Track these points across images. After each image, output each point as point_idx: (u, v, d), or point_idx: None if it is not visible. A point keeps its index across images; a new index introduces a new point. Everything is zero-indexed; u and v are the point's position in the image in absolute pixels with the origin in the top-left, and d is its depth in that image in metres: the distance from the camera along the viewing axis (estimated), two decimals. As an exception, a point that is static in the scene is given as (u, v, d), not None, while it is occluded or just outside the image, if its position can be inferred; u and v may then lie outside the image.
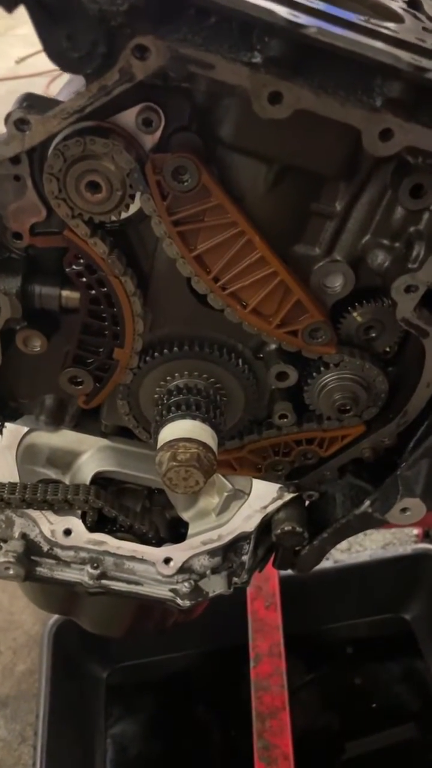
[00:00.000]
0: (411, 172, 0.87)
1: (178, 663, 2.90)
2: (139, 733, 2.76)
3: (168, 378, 1.08)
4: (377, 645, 3.00)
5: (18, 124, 0.84)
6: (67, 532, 1.24)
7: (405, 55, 0.75)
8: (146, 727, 2.78)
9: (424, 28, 0.87)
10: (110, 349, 1.05)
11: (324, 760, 2.69)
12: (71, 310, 1.02)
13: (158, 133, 0.89)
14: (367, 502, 1.16)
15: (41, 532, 1.24)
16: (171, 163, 0.86)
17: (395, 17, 0.90)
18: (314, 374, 1.07)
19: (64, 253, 0.98)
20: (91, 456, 1.23)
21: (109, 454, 1.23)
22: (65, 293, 1.00)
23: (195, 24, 0.75)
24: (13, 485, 1.19)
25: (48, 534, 1.24)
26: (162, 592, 1.28)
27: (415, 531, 3.46)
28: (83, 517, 1.25)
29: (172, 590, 1.28)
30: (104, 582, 1.27)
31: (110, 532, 1.26)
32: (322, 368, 1.06)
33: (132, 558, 1.27)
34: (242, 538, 1.27)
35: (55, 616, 2.60)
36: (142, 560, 1.27)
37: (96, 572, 1.25)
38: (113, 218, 0.92)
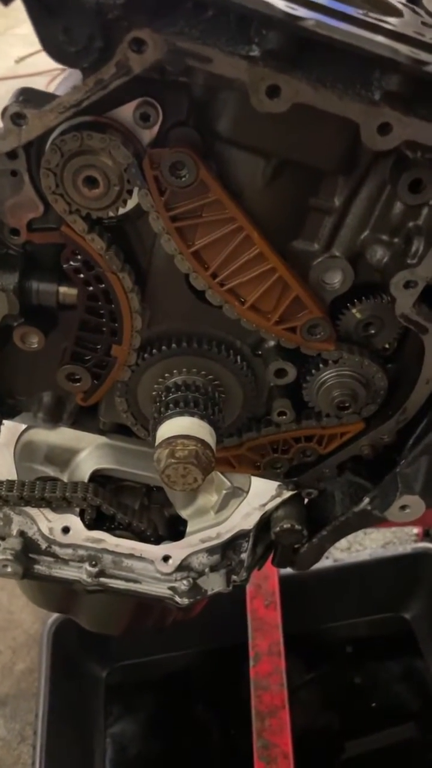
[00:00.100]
0: (410, 167, 0.87)
1: (178, 662, 2.89)
2: (139, 732, 2.75)
3: (166, 375, 1.08)
4: (377, 644, 3.00)
5: (14, 118, 0.84)
6: (66, 530, 1.24)
7: (403, 48, 0.75)
8: (146, 726, 2.77)
9: (422, 23, 0.87)
10: (108, 346, 1.04)
11: (324, 759, 2.69)
12: (69, 306, 1.02)
13: (156, 128, 0.88)
14: (367, 500, 1.16)
15: (39, 529, 1.24)
16: (169, 158, 0.86)
17: (394, 11, 0.90)
18: (313, 371, 1.07)
19: (61, 249, 0.97)
20: (90, 453, 1.23)
21: (108, 452, 1.23)
22: (63, 289, 1.00)
23: (192, 17, 0.75)
24: (11, 483, 1.19)
25: (46, 531, 1.24)
26: (160, 590, 1.28)
27: (415, 530, 3.46)
28: (81, 515, 1.24)
29: (170, 588, 1.27)
30: (102, 580, 1.26)
31: (109, 530, 1.26)
32: (320, 365, 1.06)
33: (130, 556, 1.26)
34: (241, 535, 1.27)
35: (55, 615, 2.59)
36: (140, 558, 1.27)
37: (94, 570, 1.25)
38: (111, 214, 0.91)
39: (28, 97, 0.85)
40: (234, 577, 1.28)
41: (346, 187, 0.93)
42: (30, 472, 1.23)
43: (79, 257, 0.96)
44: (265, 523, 1.25)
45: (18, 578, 1.23)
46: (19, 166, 0.90)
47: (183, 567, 1.27)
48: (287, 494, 1.22)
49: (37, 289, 1.00)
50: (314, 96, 0.77)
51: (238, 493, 1.25)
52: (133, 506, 1.28)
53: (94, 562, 1.25)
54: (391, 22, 0.80)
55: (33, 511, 1.23)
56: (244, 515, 1.25)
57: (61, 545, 1.25)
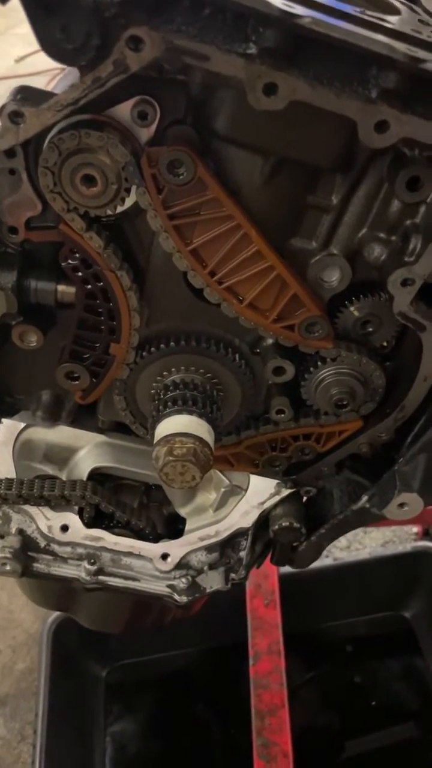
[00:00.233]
0: (407, 164, 0.87)
1: (178, 661, 2.89)
2: (139, 731, 2.75)
3: (165, 373, 1.08)
4: (377, 643, 2.99)
5: (12, 116, 0.84)
6: (64, 528, 1.24)
7: (400, 46, 0.75)
8: (145, 725, 2.77)
9: (420, 20, 0.87)
10: (106, 344, 1.05)
11: (323, 758, 2.69)
12: (67, 305, 1.02)
13: (154, 126, 0.88)
14: (365, 498, 1.16)
15: (38, 528, 1.24)
16: (166, 157, 0.86)
17: (392, 9, 0.90)
18: (311, 369, 1.07)
19: (59, 248, 0.97)
20: (88, 452, 1.23)
21: (106, 450, 1.23)
22: (61, 288, 1.00)
23: (189, 15, 0.75)
24: (9, 481, 1.19)
25: (45, 530, 1.24)
26: (159, 587, 1.28)
27: (415, 529, 3.46)
28: (80, 513, 1.25)
29: (169, 586, 1.27)
30: (101, 578, 1.27)
31: (107, 528, 1.26)
32: (319, 363, 1.06)
33: (129, 554, 1.27)
34: (240, 533, 1.27)
35: (55, 615, 2.59)
36: (139, 556, 1.27)
37: (93, 568, 1.25)
38: (109, 212, 0.92)
39: (26, 95, 0.86)
40: (233, 575, 1.29)
41: (344, 185, 0.93)
42: (29, 470, 1.23)
43: (77, 255, 0.97)
44: (263, 521, 1.25)
45: (17, 576, 1.23)
46: (17, 164, 0.90)
47: (182, 565, 1.27)
48: (286, 492, 1.23)
49: (36, 288, 1.00)
50: (311, 93, 0.77)
51: (236, 491, 1.25)
52: (131, 504, 1.29)
53: (92, 560, 1.25)
54: (389, 19, 0.81)
55: (32, 510, 1.23)
56: (243, 513, 1.25)
57: (60, 543, 1.25)
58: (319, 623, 2.96)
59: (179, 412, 1.03)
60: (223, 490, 1.25)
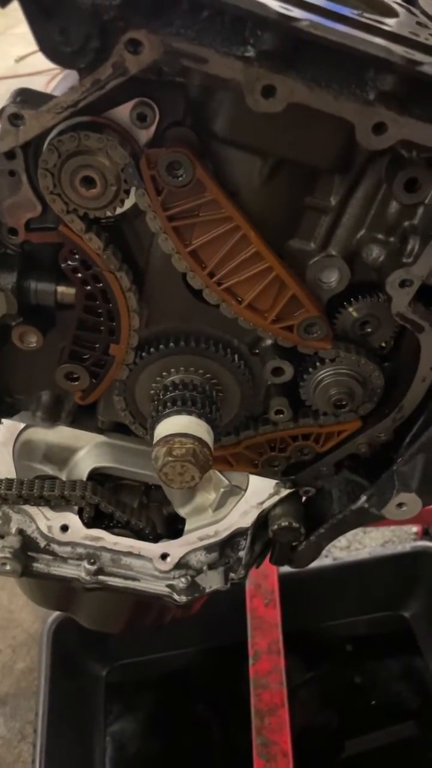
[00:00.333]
0: (405, 166, 0.87)
1: (178, 660, 2.90)
2: (139, 731, 2.76)
3: (164, 374, 1.08)
4: (376, 643, 3.00)
5: (12, 119, 0.85)
6: (64, 528, 1.24)
7: (398, 49, 0.75)
8: (145, 725, 2.78)
9: (418, 23, 0.87)
10: (106, 345, 1.05)
11: (323, 757, 2.69)
12: (67, 305, 1.02)
13: (153, 128, 0.89)
14: (364, 498, 1.16)
15: (38, 528, 1.25)
16: (165, 158, 0.86)
17: (389, 11, 0.90)
18: (310, 369, 1.07)
19: (59, 249, 0.98)
20: (88, 452, 1.23)
21: (106, 450, 1.23)
22: (61, 289, 1.01)
23: (188, 18, 0.76)
24: (9, 481, 1.19)
25: (45, 530, 1.24)
26: (159, 587, 1.28)
27: (415, 528, 3.46)
28: (80, 513, 1.25)
29: (168, 586, 1.28)
30: (101, 578, 1.27)
31: (107, 528, 1.26)
32: (317, 363, 1.06)
33: (129, 554, 1.27)
34: (239, 533, 1.27)
35: (55, 614, 2.60)
36: (139, 556, 1.27)
37: (93, 568, 1.25)
38: (108, 214, 0.92)
39: (26, 97, 0.86)
40: (232, 575, 1.29)
41: (342, 187, 0.94)
42: (29, 470, 1.23)
43: (76, 257, 0.97)
44: (263, 521, 1.26)
45: (17, 576, 1.23)
46: (16, 166, 0.90)
47: (181, 565, 1.28)
48: (285, 492, 1.23)
49: (36, 289, 1.00)
50: (309, 96, 0.78)
51: (236, 491, 1.25)
52: (131, 504, 1.29)
53: (92, 560, 1.26)
54: (387, 22, 0.81)
55: (32, 510, 1.23)
56: (242, 513, 1.25)
57: (60, 543, 1.26)
58: (318, 623, 2.97)
59: (178, 412, 1.03)
60: (222, 490, 1.25)
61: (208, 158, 0.90)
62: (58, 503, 1.21)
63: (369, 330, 1.05)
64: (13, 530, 1.25)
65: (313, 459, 1.20)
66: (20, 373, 1.15)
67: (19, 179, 0.92)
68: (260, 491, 1.23)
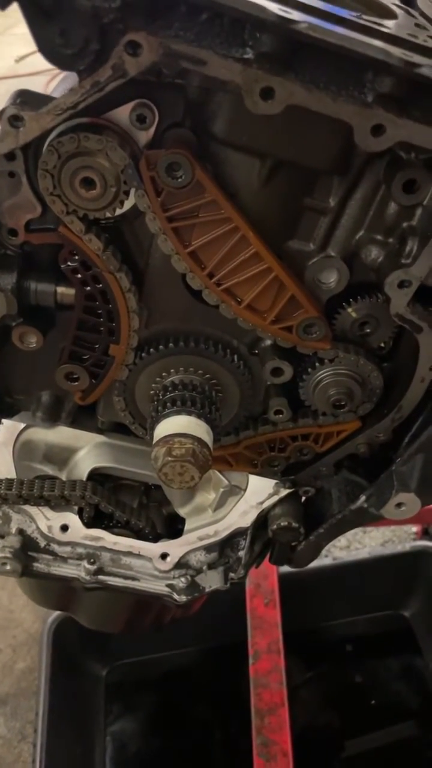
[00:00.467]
0: (404, 167, 0.88)
1: (178, 660, 2.90)
2: (139, 730, 2.76)
3: (164, 374, 1.09)
4: (376, 642, 3.00)
5: (12, 120, 0.85)
6: (64, 528, 1.24)
7: (396, 51, 0.76)
8: (146, 724, 2.78)
9: (416, 24, 0.88)
10: (106, 345, 1.05)
11: (323, 757, 2.69)
12: (67, 306, 1.02)
13: (152, 130, 0.89)
14: (363, 498, 1.16)
15: (38, 527, 1.25)
16: (165, 159, 0.87)
17: (388, 13, 0.91)
18: (309, 370, 1.07)
19: (59, 250, 0.98)
20: (88, 452, 1.24)
21: (106, 451, 1.23)
22: (60, 290, 1.01)
23: (187, 20, 0.76)
24: (10, 481, 1.20)
25: (45, 530, 1.24)
26: (159, 587, 1.28)
27: (414, 528, 3.47)
28: (80, 513, 1.25)
29: (168, 585, 1.28)
30: (101, 577, 1.27)
31: (107, 528, 1.26)
32: (317, 364, 1.07)
33: (129, 553, 1.27)
34: (239, 533, 1.27)
35: (55, 614, 2.60)
36: (138, 556, 1.27)
37: (93, 568, 1.25)
38: (108, 215, 0.92)
39: (26, 99, 0.86)
40: (232, 575, 1.29)
41: (341, 188, 0.94)
42: (29, 470, 1.23)
43: (76, 257, 0.97)
44: (262, 520, 1.26)
45: (17, 576, 1.23)
46: (16, 167, 0.91)
47: (181, 564, 1.28)
48: (284, 492, 1.23)
49: (35, 289, 1.00)
50: (308, 98, 0.78)
51: (235, 491, 1.26)
52: (131, 504, 1.29)
53: (92, 560, 1.26)
54: (385, 24, 0.81)
55: (32, 510, 1.24)
56: (242, 513, 1.25)
57: (60, 543, 1.26)
58: (318, 622, 2.97)
59: (178, 412, 1.03)
60: (222, 490, 1.25)
61: (207, 159, 0.90)
62: (58, 503, 1.22)
63: (368, 330, 1.05)
64: (14, 530, 1.25)
65: (313, 459, 1.20)
66: (20, 374, 1.15)
67: (19, 180, 0.92)
68: (260, 491, 1.24)
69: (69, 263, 0.98)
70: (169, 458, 1.01)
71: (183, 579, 1.27)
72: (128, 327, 1.02)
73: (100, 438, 1.23)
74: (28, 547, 1.25)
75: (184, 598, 1.28)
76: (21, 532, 1.25)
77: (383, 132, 0.80)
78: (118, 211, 0.92)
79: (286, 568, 2.55)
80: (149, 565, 1.28)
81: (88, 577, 1.26)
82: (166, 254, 0.95)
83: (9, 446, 1.20)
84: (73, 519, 1.24)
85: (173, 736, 2.74)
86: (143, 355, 1.07)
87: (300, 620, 2.69)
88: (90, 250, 0.95)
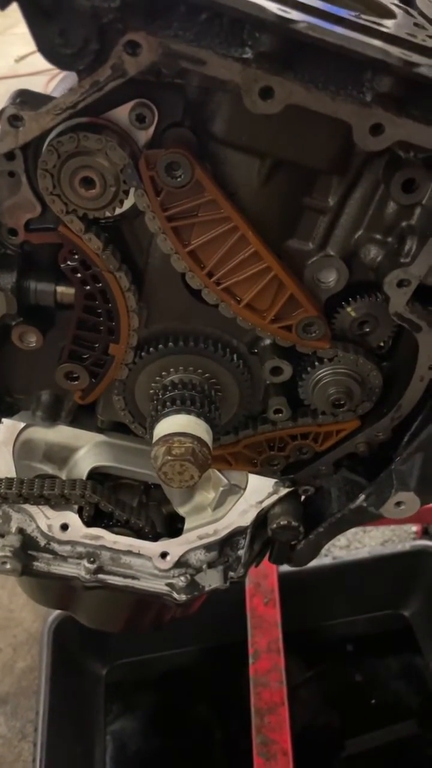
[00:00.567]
0: (403, 167, 0.88)
1: (178, 659, 2.90)
2: (139, 730, 2.77)
3: (163, 373, 1.09)
4: (376, 641, 3.01)
5: (11, 120, 0.85)
6: (64, 527, 1.25)
7: (395, 50, 0.76)
8: (146, 724, 2.78)
9: (415, 24, 0.88)
10: (105, 345, 1.05)
11: (323, 756, 2.70)
12: (66, 305, 1.03)
13: (152, 129, 0.89)
14: (362, 497, 1.17)
15: (38, 526, 1.25)
16: (164, 159, 0.87)
17: (387, 13, 0.91)
18: (308, 369, 1.08)
19: (59, 249, 0.98)
20: (88, 451, 1.24)
21: (106, 450, 1.24)
22: (60, 289, 1.01)
23: (186, 20, 0.76)
24: (9, 480, 1.20)
25: (45, 529, 1.25)
26: (158, 586, 1.28)
27: (414, 528, 3.47)
28: (80, 512, 1.25)
29: (168, 584, 1.28)
30: (101, 576, 1.27)
31: (107, 527, 1.26)
32: (316, 363, 1.07)
33: (128, 552, 1.27)
34: (238, 532, 1.28)
35: (55, 614, 2.60)
36: (138, 555, 1.28)
37: (93, 567, 1.25)
38: (107, 214, 0.92)
39: (25, 98, 0.87)
40: (231, 574, 1.29)
41: (340, 187, 0.94)
42: (29, 469, 1.23)
43: (76, 257, 0.97)
44: (262, 520, 1.26)
45: (17, 575, 1.24)
46: (16, 167, 0.91)
47: (181, 563, 1.28)
48: (284, 491, 1.23)
49: (35, 289, 1.01)
50: (307, 97, 0.78)
51: (235, 490, 1.26)
52: (131, 503, 1.29)
53: (92, 559, 1.26)
54: (384, 23, 0.81)
55: (32, 509, 1.24)
56: (241, 512, 1.26)
57: (60, 542, 1.26)
58: (318, 622, 2.98)
59: (178, 411, 1.04)
60: (221, 489, 1.25)
61: (206, 159, 0.90)
62: (58, 502, 1.22)
63: (367, 330, 1.05)
64: (14, 529, 1.25)
65: (312, 458, 1.20)
66: (20, 373, 1.15)
67: (19, 180, 0.92)
68: (259, 490, 1.24)
69: (69, 263, 0.98)
70: (169, 457, 1.01)
71: (183, 578, 1.27)
72: (128, 326, 1.03)
73: (100, 437, 1.23)
74: (28, 546, 1.25)
75: (183, 596, 1.28)
76: (21, 531, 1.25)
77: (382, 131, 0.80)
78: (118, 211, 0.92)
79: (285, 567, 2.55)
80: (149, 564, 1.28)
81: (88, 576, 1.26)
82: (166, 253, 0.96)
83: (9, 445, 1.20)
84: (73, 518, 1.24)
85: (173, 735, 2.75)
86: (143, 354, 1.07)
87: (300, 619, 2.69)
88: (89, 250, 0.95)
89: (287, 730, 2.21)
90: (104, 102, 0.84)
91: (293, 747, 2.18)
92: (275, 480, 1.23)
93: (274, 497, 1.24)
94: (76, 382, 1.09)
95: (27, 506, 1.23)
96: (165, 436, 1.01)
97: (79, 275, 0.99)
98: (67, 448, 1.24)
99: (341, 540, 3.44)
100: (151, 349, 1.07)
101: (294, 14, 0.74)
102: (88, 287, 1.00)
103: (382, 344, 1.09)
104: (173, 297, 1.04)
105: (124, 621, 1.45)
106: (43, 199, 0.92)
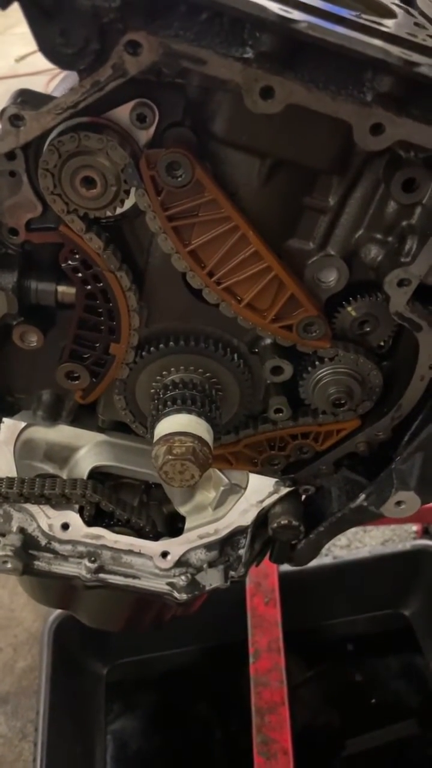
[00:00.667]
0: (403, 166, 0.88)
1: (178, 659, 2.91)
2: (139, 729, 2.77)
3: (164, 373, 1.09)
4: (377, 641, 3.01)
5: (12, 119, 0.85)
6: (65, 527, 1.25)
7: (395, 50, 0.76)
8: (146, 723, 2.79)
9: (416, 24, 0.88)
10: (106, 344, 1.05)
11: (324, 756, 2.70)
12: (67, 305, 1.03)
13: (152, 129, 0.89)
14: (362, 496, 1.17)
15: (39, 526, 1.25)
16: (165, 159, 0.87)
17: (387, 13, 0.91)
18: (309, 369, 1.08)
19: (59, 249, 0.98)
20: (89, 451, 1.24)
21: (106, 449, 1.24)
22: (61, 289, 1.01)
23: (187, 20, 0.76)
24: (11, 480, 1.20)
25: (46, 528, 1.25)
26: (159, 585, 1.28)
27: (414, 527, 3.47)
28: (81, 512, 1.25)
29: (169, 584, 1.28)
30: (102, 576, 1.27)
31: (108, 527, 1.26)
32: (316, 362, 1.07)
33: (129, 552, 1.27)
34: (239, 532, 1.28)
35: (55, 614, 2.61)
36: (139, 554, 1.28)
37: (93, 566, 1.26)
38: (108, 214, 0.93)
39: (26, 98, 0.87)
40: (232, 573, 1.29)
41: (341, 187, 0.94)
42: (29, 469, 1.24)
43: (77, 256, 0.97)
44: (262, 519, 1.26)
45: (18, 574, 1.24)
46: (17, 166, 0.91)
47: (181, 563, 1.28)
48: (284, 491, 1.23)
49: (36, 288, 1.01)
50: (307, 97, 0.78)
51: (235, 489, 1.26)
52: (131, 503, 1.29)
53: (93, 558, 1.26)
54: (385, 23, 0.81)
55: (33, 508, 1.24)
56: (242, 512, 1.26)
57: (61, 541, 1.26)
58: (318, 621, 2.98)
59: (178, 411, 1.04)
60: (222, 488, 1.25)
61: (207, 159, 0.90)
62: (59, 502, 1.22)
63: (368, 329, 1.06)
64: (14, 528, 1.25)
65: (313, 457, 1.21)
66: (21, 373, 1.15)
67: (20, 180, 0.92)
68: (260, 490, 1.24)
69: (70, 262, 0.98)
70: (170, 457, 1.01)
71: (183, 577, 1.27)
72: (129, 326, 1.03)
73: (101, 437, 1.23)
74: (29, 546, 1.25)
75: (184, 596, 1.28)
76: (22, 530, 1.25)
77: (382, 131, 0.81)
78: (119, 210, 0.93)
79: (286, 567, 2.55)
80: (150, 563, 1.28)
81: (88, 576, 1.26)
82: (167, 253, 0.96)
83: (10, 445, 1.20)
84: (73, 517, 1.24)
85: (174, 734, 2.75)
86: (144, 353, 1.07)
87: (300, 619, 2.69)
88: (90, 249, 0.95)
89: (288, 730, 2.21)
90: (105, 102, 0.84)
91: (293, 746, 2.18)
92: (276, 479, 1.23)
93: (275, 496, 1.24)
94: (76, 382, 1.09)
95: (28, 506, 1.23)
96: (166, 435, 1.02)
97: (80, 275, 0.99)
98: (68, 448, 1.24)
99: (342, 539, 3.45)
100: (151, 348, 1.07)
101: (295, 14, 0.74)
102: (89, 287, 1.00)
103: (382, 344, 1.09)
104: (174, 296, 1.04)
105: (124, 620, 1.45)
106: (44, 199, 0.92)
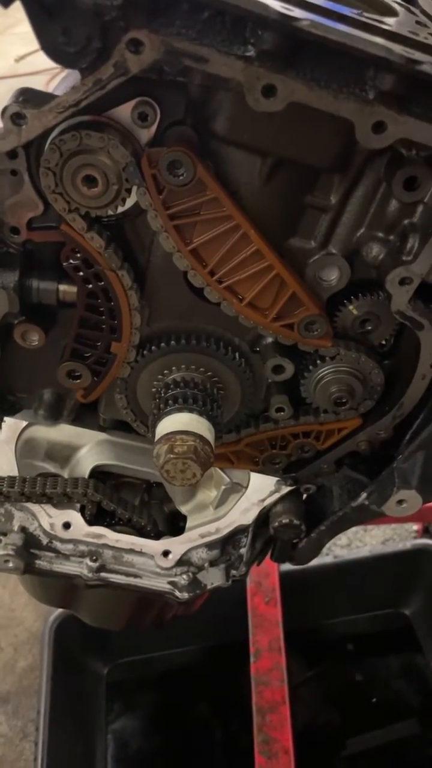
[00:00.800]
0: (404, 164, 0.88)
1: (179, 658, 2.91)
2: (140, 729, 2.77)
3: (165, 372, 1.09)
4: (377, 640, 3.01)
5: (14, 118, 0.85)
6: (66, 526, 1.25)
7: (397, 48, 0.76)
8: (147, 723, 2.79)
9: (417, 22, 0.88)
10: (108, 343, 1.05)
11: (324, 755, 2.70)
12: (69, 304, 1.03)
13: (154, 128, 0.89)
14: (364, 495, 1.17)
15: (40, 525, 1.25)
16: (166, 157, 0.87)
17: (389, 11, 0.91)
18: (310, 367, 1.08)
19: (61, 248, 0.98)
20: (90, 450, 1.24)
21: (108, 448, 1.24)
22: (63, 287, 1.01)
23: (189, 18, 0.76)
24: (12, 479, 1.20)
25: (47, 527, 1.25)
26: (160, 584, 1.28)
27: (415, 526, 3.47)
28: (82, 511, 1.25)
29: (170, 583, 1.28)
30: (103, 575, 1.27)
31: (109, 526, 1.26)
32: (318, 361, 1.07)
33: (131, 551, 1.27)
34: (240, 531, 1.28)
35: (56, 613, 2.61)
36: (140, 553, 1.27)
37: (95, 565, 1.25)
38: (110, 212, 0.93)
39: (28, 97, 0.87)
40: (233, 572, 1.29)
41: (342, 185, 0.94)
42: (31, 468, 1.24)
43: (78, 255, 0.97)
44: (263, 518, 1.26)
45: (19, 573, 1.24)
46: (18, 165, 0.91)
47: (183, 562, 1.28)
48: (286, 490, 1.23)
49: (38, 287, 1.01)
50: (309, 95, 0.78)
51: (237, 488, 1.26)
52: (133, 502, 1.29)
53: (94, 557, 1.26)
54: (386, 21, 0.81)
55: (34, 507, 1.24)
56: (243, 511, 1.26)
57: (62, 540, 1.26)
58: (319, 621, 2.98)
59: (180, 410, 1.04)
60: (223, 487, 1.25)
61: (208, 157, 0.90)
62: (61, 501, 1.22)
63: (369, 328, 1.06)
64: (16, 528, 1.25)
65: (314, 456, 1.21)
66: (22, 372, 1.15)
67: (21, 178, 0.92)
68: (261, 489, 1.24)
69: (71, 261, 0.98)
70: (171, 455, 1.01)
71: (185, 576, 1.27)
72: (130, 324, 1.03)
73: (102, 436, 1.23)
74: (30, 545, 1.25)
75: (185, 595, 1.28)
76: (23, 529, 1.25)
77: (384, 129, 0.81)
78: (120, 209, 0.93)
79: (287, 566, 2.55)
80: (151, 562, 1.28)
81: (90, 575, 1.26)
82: (168, 252, 0.96)
83: (11, 444, 1.20)
84: (75, 516, 1.24)
85: (174, 734, 2.75)
86: (145, 352, 1.07)
87: (301, 618, 2.69)
88: (92, 248, 0.95)
89: (288, 729, 2.21)
90: (106, 100, 0.84)
91: (294, 745, 2.19)
92: (277, 478, 1.23)
93: (276, 495, 1.24)
94: (78, 381, 1.09)
95: (29, 505, 1.23)
96: (167, 434, 1.02)
97: (81, 273, 0.99)
98: (69, 447, 1.24)
99: (342, 539, 3.45)
100: (153, 347, 1.07)
101: (297, 12, 0.74)
102: (90, 285, 1.00)
103: (383, 342, 1.09)
104: (175, 295, 1.04)
105: (126, 619, 1.45)
106: (45, 198, 0.92)
